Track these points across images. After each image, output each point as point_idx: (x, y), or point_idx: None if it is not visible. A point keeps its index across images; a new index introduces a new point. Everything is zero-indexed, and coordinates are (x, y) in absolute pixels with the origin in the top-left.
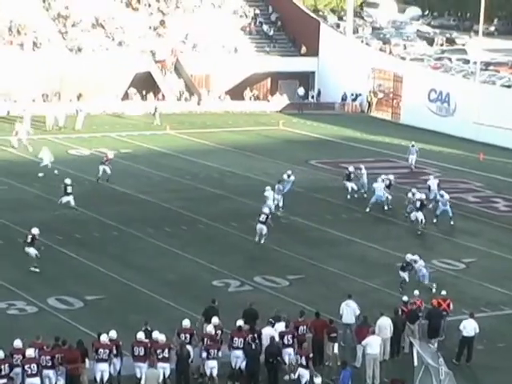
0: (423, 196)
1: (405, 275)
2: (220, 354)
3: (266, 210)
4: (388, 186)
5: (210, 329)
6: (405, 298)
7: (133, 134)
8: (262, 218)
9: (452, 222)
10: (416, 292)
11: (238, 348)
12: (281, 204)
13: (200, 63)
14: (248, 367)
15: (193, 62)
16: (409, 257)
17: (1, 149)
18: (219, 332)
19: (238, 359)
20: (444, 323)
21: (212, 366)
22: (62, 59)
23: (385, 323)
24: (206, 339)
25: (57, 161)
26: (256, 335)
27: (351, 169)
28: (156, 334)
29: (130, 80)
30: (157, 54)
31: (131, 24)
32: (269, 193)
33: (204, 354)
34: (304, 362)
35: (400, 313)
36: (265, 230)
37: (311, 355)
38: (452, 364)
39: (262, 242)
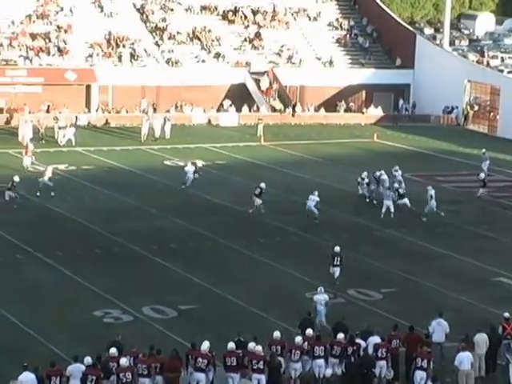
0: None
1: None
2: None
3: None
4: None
5: (252, 346)
6: (506, 315)
7: (227, 146)
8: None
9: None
10: None
11: (319, 357)
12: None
13: (295, 75)
14: (346, 380)
15: (288, 74)
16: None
17: (96, 158)
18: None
19: (321, 368)
20: None
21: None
22: (159, 71)
23: (481, 339)
24: (294, 351)
25: (153, 171)
26: (355, 348)
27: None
28: (253, 345)
29: (225, 91)
30: (252, 66)
31: (227, 36)
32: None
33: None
34: (425, 365)
35: (501, 329)
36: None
37: (432, 359)
38: None
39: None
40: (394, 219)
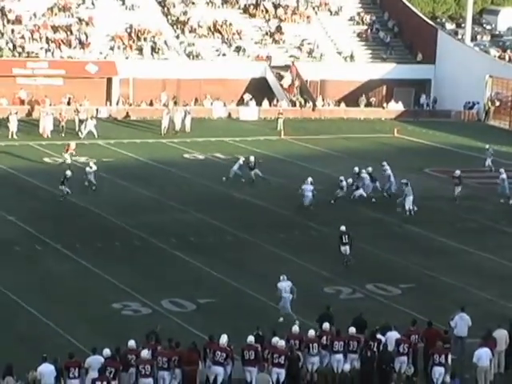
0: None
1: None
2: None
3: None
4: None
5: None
6: None
7: (247, 139)
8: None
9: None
10: None
11: (338, 352)
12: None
13: (315, 69)
14: (362, 374)
15: (308, 68)
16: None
17: (116, 151)
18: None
19: (340, 363)
20: None
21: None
22: (180, 64)
23: (501, 335)
24: (310, 344)
25: (173, 164)
26: (376, 343)
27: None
28: (276, 340)
29: (246, 85)
30: (273, 60)
31: (248, 30)
32: None
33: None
34: (443, 360)
35: None
36: None
37: (449, 354)
38: None
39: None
40: (412, 215)
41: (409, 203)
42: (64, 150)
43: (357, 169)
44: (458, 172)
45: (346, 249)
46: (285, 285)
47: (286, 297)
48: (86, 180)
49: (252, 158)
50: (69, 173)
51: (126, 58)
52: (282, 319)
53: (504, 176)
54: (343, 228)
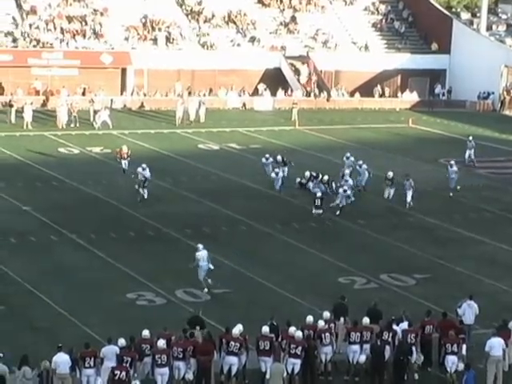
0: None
1: None
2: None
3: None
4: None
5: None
6: None
7: (261, 130)
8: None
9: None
10: None
11: (354, 343)
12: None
13: (330, 59)
14: (373, 364)
15: (323, 59)
16: None
17: (131, 141)
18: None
19: (356, 354)
20: None
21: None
22: (194, 54)
23: None
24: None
25: (187, 155)
26: (392, 334)
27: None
28: (293, 329)
29: (260, 76)
30: (287, 50)
31: (262, 20)
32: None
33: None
34: (455, 349)
35: None
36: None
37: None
38: None
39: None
40: (427, 205)
41: (408, 197)
42: (118, 157)
43: (347, 171)
44: (390, 173)
45: (318, 212)
46: (203, 254)
47: (203, 265)
48: (136, 183)
49: (279, 157)
50: (147, 174)
51: (133, 48)
52: (206, 290)
53: (455, 168)
54: (319, 194)
